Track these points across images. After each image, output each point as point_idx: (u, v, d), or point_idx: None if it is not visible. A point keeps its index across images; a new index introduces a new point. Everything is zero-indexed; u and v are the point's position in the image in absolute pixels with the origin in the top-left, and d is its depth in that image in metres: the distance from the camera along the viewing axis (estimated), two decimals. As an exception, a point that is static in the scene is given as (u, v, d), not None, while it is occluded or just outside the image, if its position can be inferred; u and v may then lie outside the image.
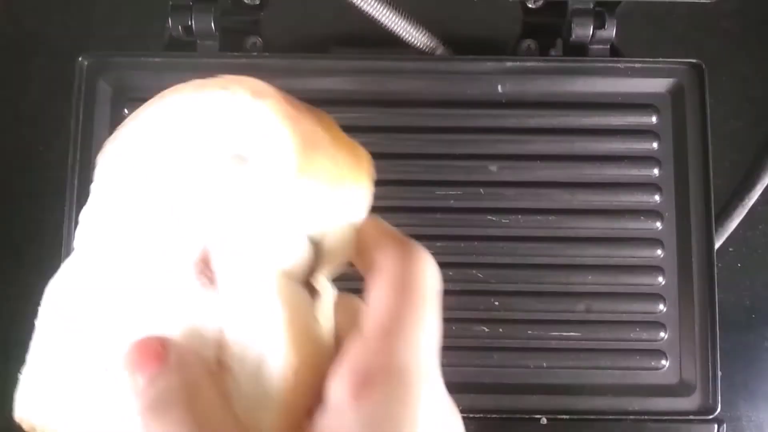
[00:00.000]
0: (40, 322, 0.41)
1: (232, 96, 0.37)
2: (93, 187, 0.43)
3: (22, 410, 0.41)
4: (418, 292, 0.32)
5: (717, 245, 0.69)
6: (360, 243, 0.36)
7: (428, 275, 0.33)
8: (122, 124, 0.42)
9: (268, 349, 0.33)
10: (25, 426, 0.41)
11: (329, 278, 0.36)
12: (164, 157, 0.39)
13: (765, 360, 0.69)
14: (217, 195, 0.37)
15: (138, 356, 0.35)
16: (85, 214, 0.42)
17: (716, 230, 0.68)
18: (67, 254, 0.53)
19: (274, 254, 0.35)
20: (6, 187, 0.69)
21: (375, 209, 0.56)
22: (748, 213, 0.70)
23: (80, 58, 0.62)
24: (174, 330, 0.36)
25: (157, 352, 0.34)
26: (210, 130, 0.38)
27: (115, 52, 0.64)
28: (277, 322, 0.33)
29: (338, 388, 0.31)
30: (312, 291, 0.36)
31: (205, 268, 0.36)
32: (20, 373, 0.43)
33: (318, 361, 0.33)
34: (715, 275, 0.62)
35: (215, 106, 0.37)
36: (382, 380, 0.30)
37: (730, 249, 0.70)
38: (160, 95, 0.40)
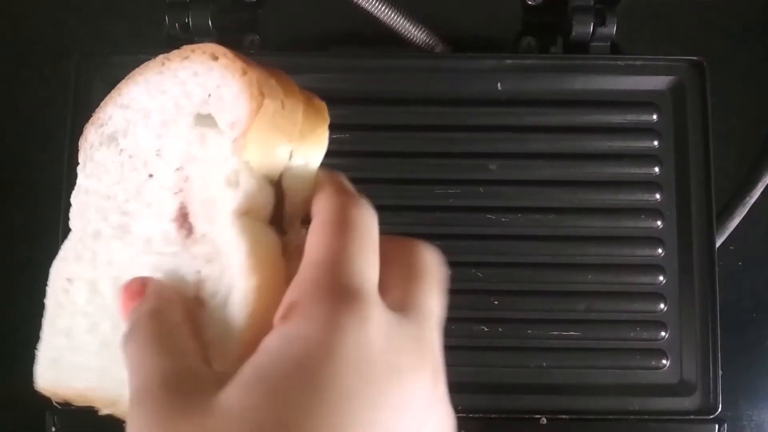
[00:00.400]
0: (49, 300, 0.49)
1: (191, 61, 0.45)
2: (79, 169, 0.50)
3: (42, 381, 0.48)
4: (351, 230, 0.35)
5: (718, 244, 0.68)
6: (314, 190, 0.39)
7: (359, 215, 0.36)
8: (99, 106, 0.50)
9: (235, 278, 0.37)
10: (48, 394, 0.48)
11: (296, 220, 0.40)
12: (140, 126, 0.48)
13: (766, 359, 0.69)
14: (187, 153, 0.45)
15: (124, 295, 0.41)
16: (74, 196, 0.50)
17: (717, 229, 0.68)
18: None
19: (237, 200, 0.40)
20: (3, 186, 0.69)
21: (376, 208, 0.56)
22: (749, 211, 0.69)
23: (76, 57, 0.62)
24: (160, 277, 0.42)
25: (139, 290, 0.40)
26: (177, 95, 0.46)
27: (111, 50, 0.63)
28: (240, 251, 0.38)
29: (276, 315, 0.33)
30: (280, 231, 0.40)
31: (183, 221, 0.43)
32: (36, 349, 0.49)
33: (281, 288, 0.36)
34: (716, 274, 0.61)
35: (180, 72, 0.45)
36: (304, 305, 0.32)
37: (731, 247, 0.69)
38: (129, 75, 0.48)
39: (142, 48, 0.66)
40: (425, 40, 0.68)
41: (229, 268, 0.39)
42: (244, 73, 0.43)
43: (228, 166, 0.42)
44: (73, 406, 0.53)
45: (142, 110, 0.49)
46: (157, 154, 0.47)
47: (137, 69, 0.49)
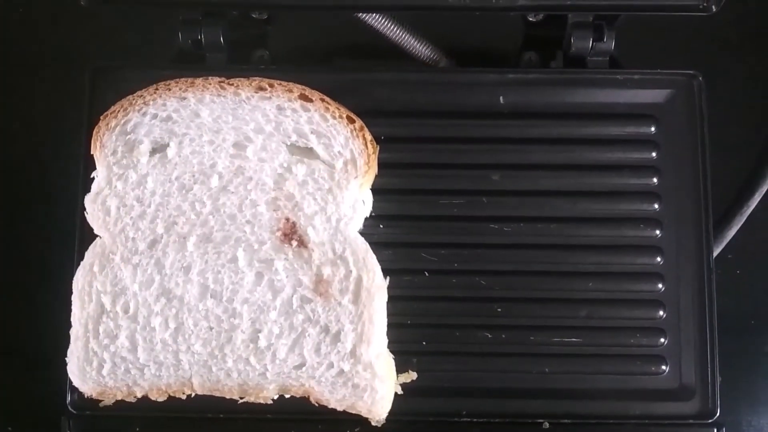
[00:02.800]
0: (75, 303, 0.57)
1: (273, 95, 0.57)
2: (99, 175, 0.58)
3: (98, 387, 0.57)
4: None
5: (716, 252, 0.70)
6: None
7: None
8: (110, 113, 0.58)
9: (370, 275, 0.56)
10: (101, 398, 0.57)
11: None
12: (200, 143, 0.57)
13: (765, 365, 0.70)
14: (281, 176, 0.57)
15: None
16: (89, 201, 0.58)
17: (715, 237, 0.70)
18: (82, 251, 0.57)
19: (360, 219, 0.58)
20: (18, 193, 0.71)
21: (380, 217, 0.58)
22: (746, 221, 0.71)
23: (91, 69, 0.64)
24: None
25: None
26: (261, 123, 0.57)
27: (124, 63, 0.65)
28: (371, 255, 0.57)
29: None
30: None
31: (291, 233, 0.57)
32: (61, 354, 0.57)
33: None
34: (714, 282, 0.63)
35: (261, 103, 0.58)
36: None
37: (729, 256, 0.71)
38: (156, 87, 0.58)
39: (154, 62, 0.69)
40: (429, 54, 0.70)
41: (362, 269, 0.56)
42: (351, 121, 0.58)
43: (347, 195, 0.57)
44: (89, 411, 0.57)
45: (200, 127, 0.58)
46: (239, 173, 0.57)
47: (168, 84, 0.58)
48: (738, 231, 0.71)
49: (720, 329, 0.62)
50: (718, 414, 0.61)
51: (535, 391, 0.62)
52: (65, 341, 0.58)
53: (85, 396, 0.58)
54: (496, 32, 0.73)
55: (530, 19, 0.70)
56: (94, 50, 0.72)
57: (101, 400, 0.59)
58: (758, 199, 0.71)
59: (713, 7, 0.63)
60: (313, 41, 0.73)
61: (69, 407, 0.61)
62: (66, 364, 0.58)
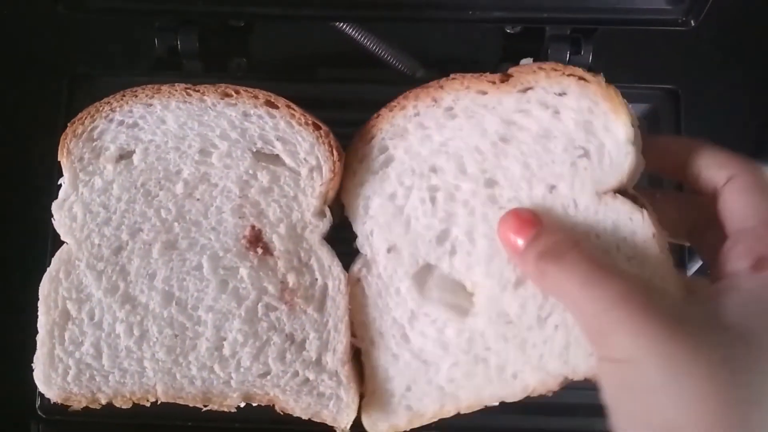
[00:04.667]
0: (41, 309, 0.57)
1: (238, 101, 0.56)
2: (66, 182, 0.57)
3: (63, 393, 0.56)
4: None
5: (694, 269, 0.69)
6: None
7: None
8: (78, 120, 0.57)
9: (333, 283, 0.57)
10: (68, 403, 0.56)
11: None
12: (165, 150, 0.56)
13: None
14: (246, 183, 0.57)
15: (515, 223, 0.51)
16: (56, 207, 0.57)
17: (694, 254, 0.69)
18: (53, 253, 0.57)
19: (325, 227, 0.57)
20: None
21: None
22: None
23: (67, 77, 0.64)
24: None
25: (531, 220, 0.51)
26: (225, 130, 0.57)
27: (101, 71, 0.66)
28: (336, 263, 0.57)
29: (738, 262, 0.45)
30: None
31: (256, 241, 0.57)
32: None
33: None
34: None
35: (226, 109, 0.57)
36: None
37: (708, 271, 0.70)
38: (123, 94, 0.57)
39: (131, 69, 0.70)
40: (407, 64, 0.70)
41: (327, 276, 0.56)
42: (317, 127, 0.56)
43: (312, 202, 0.57)
44: (59, 415, 0.57)
45: (165, 134, 0.57)
46: (204, 179, 0.57)
47: (135, 90, 0.58)
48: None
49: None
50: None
51: (519, 406, 0.61)
52: (35, 347, 0.58)
53: (51, 402, 0.58)
54: (474, 43, 0.73)
55: (508, 30, 0.70)
56: (72, 58, 0.73)
57: (70, 406, 0.58)
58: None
59: (692, 21, 0.63)
60: (292, 50, 0.73)
61: (38, 411, 0.61)
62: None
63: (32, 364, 0.57)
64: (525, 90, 0.54)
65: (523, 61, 0.60)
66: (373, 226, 0.57)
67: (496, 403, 0.56)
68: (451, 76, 0.56)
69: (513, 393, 0.55)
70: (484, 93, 0.55)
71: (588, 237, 0.52)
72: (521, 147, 0.54)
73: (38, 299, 0.57)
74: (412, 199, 0.56)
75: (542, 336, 0.54)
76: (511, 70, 0.55)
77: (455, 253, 0.56)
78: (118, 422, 0.61)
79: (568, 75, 0.53)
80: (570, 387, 0.55)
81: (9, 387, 0.65)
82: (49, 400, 0.59)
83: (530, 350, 0.54)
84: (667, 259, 0.51)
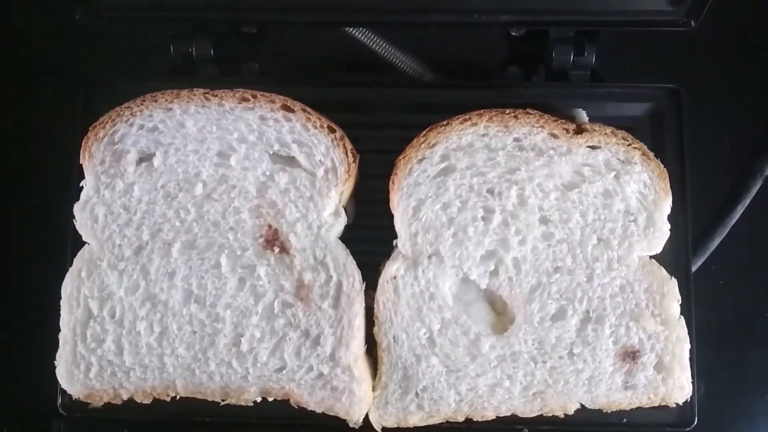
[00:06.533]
0: (64, 308, 0.59)
1: (256, 105, 0.59)
2: (88, 184, 0.59)
3: (85, 390, 0.58)
4: None
5: (699, 263, 0.71)
6: None
7: None
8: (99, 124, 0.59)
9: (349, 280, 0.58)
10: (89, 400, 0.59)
11: None
12: (185, 152, 0.59)
13: (744, 376, 0.70)
14: (263, 184, 0.59)
15: None
16: (78, 209, 0.59)
17: (699, 248, 0.71)
18: (73, 258, 0.58)
19: (341, 226, 0.59)
20: (15, 201, 0.73)
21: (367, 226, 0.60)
22: (729, 232, 0.72)
23: (84, 83, 0.66)
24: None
25: None
26: (244, 133, 0.59)
27: (117, 77, 0.67)
28: (351, 261, 0.59)
29: None
30: None
31: (274, 239, 0.58)
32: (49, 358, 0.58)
33: None
34: (693, 293, 0.63)
35: (244, 113, 0.59)
36: None
37: (712, 267, 0.72)
38: (143, 99, 0.59)
39: (147, 75, 0.71)
40: (415, 68, 0.72)
41: (342, 274, 0.58)
42: (332, 130, 0.59)
43: (328, 202, 0.58)
44: (79, 413, 0.59)
45: (185, 137, 0.59)
46: (223, 181, 0.59)
47: (155, 95, 0.60)
48: (721, 242, 0.72)
49: (701, 339, 0.63)
50: (695, 422, 0.62)
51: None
52: (56, 345, 0.60)
53: (74, 398, 0.59)
54: (480, 47, 0.75)
55: (513, 33, 0.72)
56: (89, 64, 0.74)
57: (90, 403, 0.60)
58: (741, 211, 0.72)
59: (692, 22, 0.64)
60: (303, 55, 0.75)
61: (60, 409, 0.62)
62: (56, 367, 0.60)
63: (54, 362, 0.59)
64: (593, 148, 0.59)
65: (577, 111, 0.63)
66: (419, 229, 0.59)
67: (508, 414, 0.59)
68: (528, 110, 0.60)
69: (531, 410, 0.59)
70: (556, 137, 0.59)
71: (624, 290, 0.58)
72: (583, 198, 0.59)
73: (59, 300, 0.59)
74: (466, 214, 0.59)
75: (571, 366, 0.58)
76: (586, 125, 0.60)
77: (497, 274, 0.59)
78: (137, 419, 0.62)
79: (635, 147, 0.59)
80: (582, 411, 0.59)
81: (30, 385, 0.67)
82: (70, 397, 0.61)
83: (557, 376, 0.58)
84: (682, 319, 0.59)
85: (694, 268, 0.68)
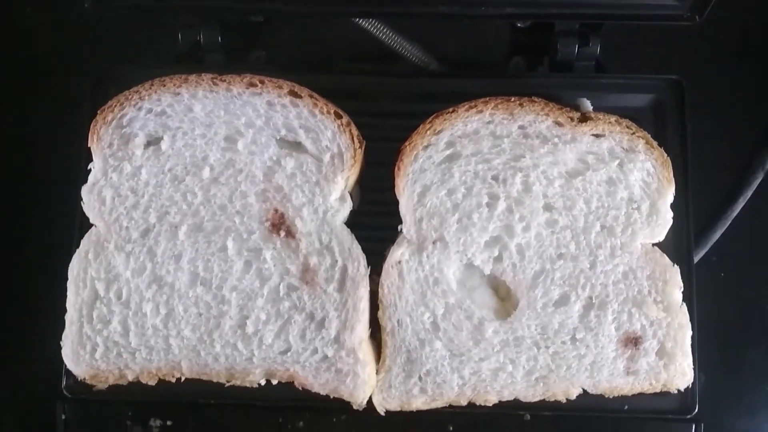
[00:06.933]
0: (71, 289, 0.59)
1: (263, 91, 0.59)
2: (95, 167, 0.60)
3: (91, 370, 0.59)
4: None
5: (700, 255, 0.71)
6: None
7: None
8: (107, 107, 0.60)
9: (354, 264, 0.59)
10: (89, 378, 0.59)
11: None
12: (192, 136, 0.59)
13: (744, 366, 0.71)
14: (270, 169, 0.59)
15: None
16: (86, 191, 0.60)
17: (700, 240, 0.71)
18: (81, 236, 0.59)
19: (346, 211, 0.60)
20: (24, 185, 0.74)
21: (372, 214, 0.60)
22: (731, 225, 0.72)
23: (93, 70, 0.66)
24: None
25: None
26: (251, 118, 0.59)
27: (126, 65, 0.68)
28: (356, 245, 0.59)
29: None
30: None
31: (280, 223, 0.59)
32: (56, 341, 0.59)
33: None
34: (694, 283, 0.64)
35: (252, 98, 0.59)
36: None
37: (714, 259, 0.72)
38: (151, 83, 0.60)
39: (155, 63, 0.72)
40: (421, 57, 0.72)
41: (347, 258, 0.58)
42: (339, 116, 0.59)
43: (334, 188, 0.59)
44: (84, 395, 0.59)
45: (192, 121, 0.60)
46: (230, 165, 0.59)
47: (163, 79, 0.60)
48: (722, 235, 0.72)
49: (702, 328, 0.63)
50: (696, 410, 0.62)
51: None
52: (61, 327, 0.60)
53: (79, 379, 0.60)
54: (485, 37, 0.75)
55: (518, 25, 0.72)
56: (98, 52, 0.75)
57: (95, 385, 0.60)
58: (742, 204, 0.73)
59: (697, 17, 0.65)
60: (309, 44, 0.75)
61: (64, 391, 0.63)
62: (61, 349, 0.60)
63: (60, 342, 0.60)
64: (597, 136, 0.60)
65: (581, 101, 0.64)
66: (424, 215, 0.59)
67: (511, 399, 0.59)
68: (533, 98, 0.60)
69: (533, 395, 0.60)
70: (560, 125, 0.60)
71: (627, 277, 0.59)
72: (587, 186, 0.60)
73: (63, 284, 0.60)
74: (471, 200, 0.59)
75: (574, 352, 0.59)
76: (590, 114, 0.61)
77: (501, 260, 0.59)
78: (141, 401, 0.62)
79: (638, 136, 0.60)
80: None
81: (35, 367, 0.67)
82: (74, 379, 0.61)
83: (560, 361, 0.59)
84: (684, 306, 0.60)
85: (695, 260, 0.68)
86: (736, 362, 0.71)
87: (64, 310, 0.60)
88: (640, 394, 0.61)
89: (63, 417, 0.62)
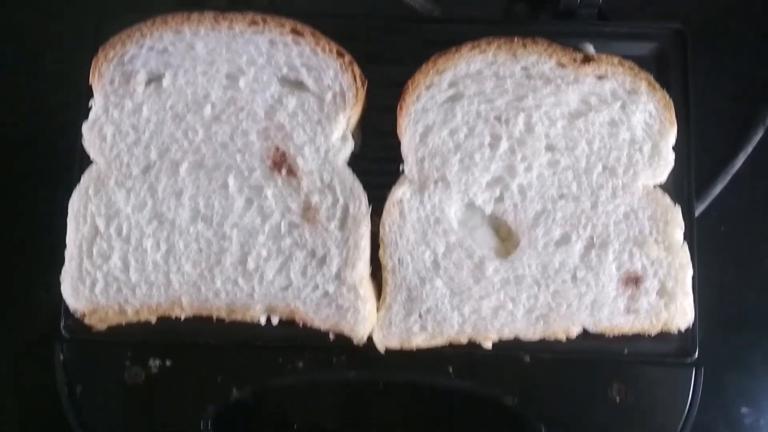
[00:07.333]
0: (71, 225, 0.59)
1: (265, 29, 0.59)
2: (96, 103, 0.60)
3: (90, 306, 0.58)
4: None
5: (701, 209, 0.71)
6: None
7: None
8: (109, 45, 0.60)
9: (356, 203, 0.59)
10: (88, 313, 0.59)
11: None
12: (193, 73, 0.59)
13: (744, 319, 0.71)
14: (271, 107, 0.59)
15: None
16: (86, 128, 0.59)
17: (700, 194, 0.71)
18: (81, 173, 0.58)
19: (348, 150, 0.60)
20: (26, 123, 0.74)
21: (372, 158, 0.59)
22: (731, 179, 0.72)
23: (96, 13, 0.66)
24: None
25: None
26: (253, 56, 0.59)
27: (129, 7, 0.67)
28: (358, 184, 0.59)
29: None
30: None
31: (281, 161, 0.59)
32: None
33: None
34: (695, 235, 0.63)
35: (254, 37, 0.59)
36: None
37: (714, 214, 0.72)
38: (153, 21, 0.60)
39: (158, 6, 0.71)
40: (424, 4, 0.72)
41: (349, 197, 0.58)
42: (341, 55, 0.59)
43: (335, 127, 0.59)
44: (82, 335, 0.59)
45: (194, 59, 0.60)
46: (231, 103, 0.59)
47: (165, 17, 0.60)
48: (723, 189, 0.73)
49: (703, 281, 0.63)
50: (696, 354, 0.62)
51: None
52: (60, 268, 0.60)
53: (78, 315, 0.59)
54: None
55: (521, -28, 0.72)
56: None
57: (94, 326, 0.60)
58: (743, 159, 0.73)
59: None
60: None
61: (62, 331, 0.62)
62: (60, 288, 0.60)
63: (59, 280, 0.59)
64: (600, 77, 0.60)
65: (585, 45, 0.63)
66: (426, 155, 0.59)
67: (511, 337, 0.59)
68: (537, 39, 0.60)
69: (533, 333, 0.60)
70: (563, 66, 0.60)
71: (628, 217, 0.59)
72: (589, 127, 0.60)
73: (63, 224, 0.60)
74: (473, 140, 0.59)
75: (574, 290, 0.59)
76: (594, 55, 0.61)
77: (503, 200, 0.59)
78: (140, 342, 0.62)
79: (641, 78, 0.61)
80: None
81: (34, 308, 0.67)
82: (73, 319, 0.61)
83: (560, 300, 0.59)
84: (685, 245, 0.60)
85: (696, 214, 0.68)
86: (736, 317, 0.71)
87: (63, 251, 0.60)
88: (641, 338, 0.61)
89: (61, 357, 0.62)
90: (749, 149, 0.73)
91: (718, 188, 0.73)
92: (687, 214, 0.62)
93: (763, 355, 0.71)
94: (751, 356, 0.71)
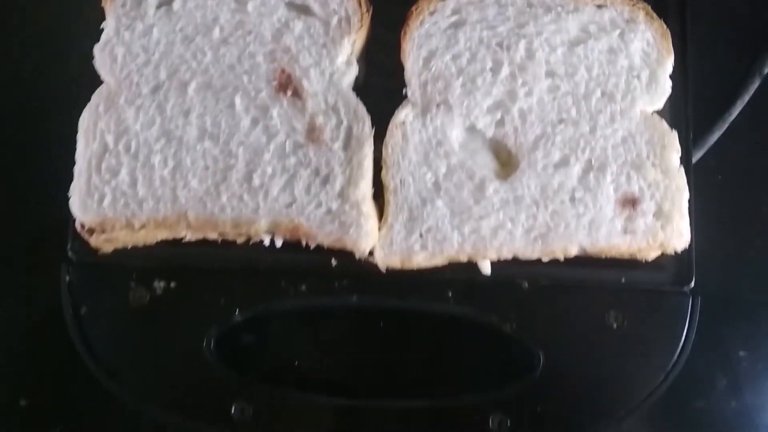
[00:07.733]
0: (80, 142, 0.60)
1: None
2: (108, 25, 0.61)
3: (97, 218, 0.59)
4: None
5: (698, 156, 0.72)
6: None
7: None
8: None
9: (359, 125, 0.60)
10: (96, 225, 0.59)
11: None
12: None
13: (739, 264, 0.72)
14: (278, 31, 0.61)
15: None
16: (98, 49, 0.61)
17: (698, 142, 0.72)
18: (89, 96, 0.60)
19: (353, 74, 0.62)
20: (38, 44, 0.75)
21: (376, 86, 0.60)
22: (729, 127, 0.73)
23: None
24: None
25: None
26: None
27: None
28: (362, 107, 0.61)
29: None
30: None
31: (287, 83, 0.60)
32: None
33: None
34: (692, 181, 0.63)
35: None
36: None
37: (711, 162, 0.73)
38: None
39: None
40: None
41: (353, 119, 0.60)
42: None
43: (341, 51, 0.61)
44: (89, 257, 0.60)
45: None
46: (239, 26, 0.61)
47: None
48: (720, 137, 0.73)
49: (700, 222, 0.64)
50: (693, 282, 0.63)
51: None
52: (66, 189, 0.61)
53: (85, 228, 0.60)
54: None
55: None
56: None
57: (100, 249, 0.61)
58: (741, 106, 0.74)
59: None
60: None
61: (69, 253, 0.63)
62: (68, 210, 0.61)
63: (67, 200, 0.60)
64: (600, 6, 0.62)
65: None
66: (429, 79, 0.61)
67: (510, 257, 0.60)
68: None
69: (531, 252, 0.60)
70: None
71: (626, 141, 0.60)
72: (588, 54, 0.62)
73: (71, 146, 0.61)
74: (476, 66, 0.61)
75: (573, 211, 0.60)
76: None
77: (503, 124, 0.61)
78: (145, 265, 0.63)
79: (639, 8, 0.63)
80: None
81: (40, 229, 0.68)
82: (80, 241, 0.61)
83: (558, 220, 0.60)
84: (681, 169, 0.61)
85: (693, 161, 0.69)
86: (734, 263, 0.72)
87: (71, 172, 0.61)
88: (638, 267, 0.62)
89: (67, 279, 0.63)
90: (746, 98, 0.74)
91: (715, 136, 0.74)
92: (684, 140, 0.63)
93: (761, 300, 0.72)
94: (749, 301, 0.72)
